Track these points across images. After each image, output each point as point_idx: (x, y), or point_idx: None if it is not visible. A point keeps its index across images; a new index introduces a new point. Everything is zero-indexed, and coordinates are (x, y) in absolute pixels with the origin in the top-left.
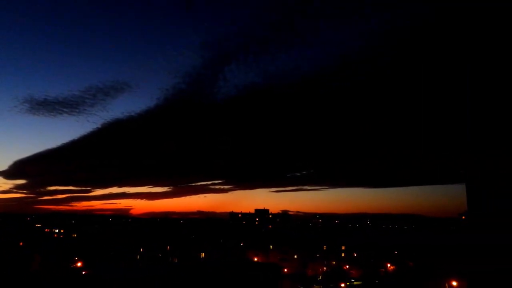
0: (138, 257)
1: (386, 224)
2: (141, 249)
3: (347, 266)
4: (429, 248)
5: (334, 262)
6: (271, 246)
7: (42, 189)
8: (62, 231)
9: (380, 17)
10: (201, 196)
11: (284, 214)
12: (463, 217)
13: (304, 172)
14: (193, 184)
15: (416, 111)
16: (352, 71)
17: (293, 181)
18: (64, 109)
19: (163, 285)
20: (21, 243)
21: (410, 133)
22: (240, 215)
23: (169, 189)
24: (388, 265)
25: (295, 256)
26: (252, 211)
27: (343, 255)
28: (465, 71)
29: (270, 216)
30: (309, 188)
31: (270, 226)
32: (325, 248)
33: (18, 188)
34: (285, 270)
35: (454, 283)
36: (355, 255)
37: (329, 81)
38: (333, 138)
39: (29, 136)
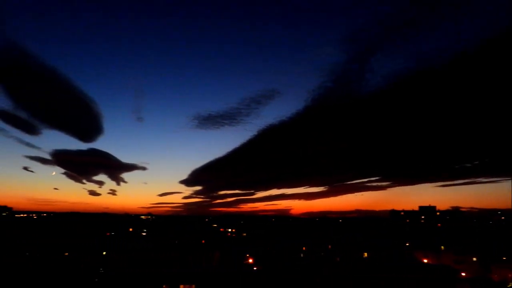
0: (302, 255)
1: None
2: (303, 248)
3: None
4: None
5: None
6: (442, 247)
7: (214, 194)
8: (233, 230)
9: None
10: (358, 194)
11: (455, 211)
12: None
13: (477, 162)
14: (349, 182)
15: None
16: None
17: (464, 173)
18: (225, 121)
19: (327, 282)
20: (203, 241)
21: None
22: (402, 213)
23: (325, 189)
24: None
25: (474, 259)
26: (416, 208)
27: None
28: None
29: (437, 213)
30: (484, 180)
31: (438, 224)
32: None
33: (196, 193)
34: (462, 273)
35: None
36: None
37: (492, 54)
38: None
39: (200, 148)
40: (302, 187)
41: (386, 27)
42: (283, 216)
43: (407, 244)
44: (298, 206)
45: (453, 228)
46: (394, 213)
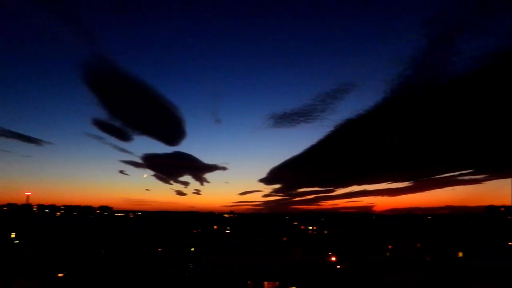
0: (388, 254)
1: None
2: (389, 246)
3: None
4: None
5: None
6: None
7: (294, 191)
8: (314, 228)
9: None
10: (448, 189)
11: None
12: None
13: None
14: (437, 176)
15: None
16: None
17: None
18: (300, 119)
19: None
20: (284, 238)
21: None
22: (502, 209)
23: (410, 184)
24: None
25: None
26: None
27: None
28: None
29: None
30: None
31: None
32: None
33: (276, 191)
34: None
35: None
36: None
37: None
38: None
39: (277, 147)
40: (385, 183)
41: (473, 2)
42: (366, 213)
43: (510, 244)
44: (381, 203)
45: None
46: (492, 209)
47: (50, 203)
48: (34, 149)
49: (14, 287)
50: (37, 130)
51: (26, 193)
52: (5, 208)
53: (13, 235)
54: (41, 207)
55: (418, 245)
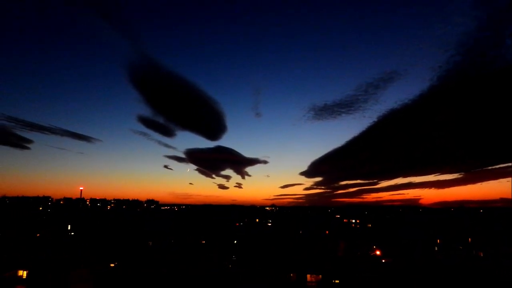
0: (436, 248)
1: None
2: (438, 240)
3: None
4: None
5: None
6: None
7: (335, 184)
8: (357, 221)
9: None
10: (503, 180)
11: None
12: None
13: None
14: (490, 167)
15: None
16: None
17: None
18: (342, 110)
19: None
20: (327, 231)
21: None
22: None
23: (460, 176)
24: None
25: None
26: None
27: None
28: None
29: None
30: None
31: None
32: None
33: (317, 184)
34: None
35: None
36: None
37: None
38: None
39: (318, 139)
40: (432, 175)
41: None
42: (412, 206)
43: None
44: (428, 196)
45: None
46: None
47: (101, 197)
48: (86, 146)
49: (72, 276)
50: (88, 128)
51: (80, 188)
52: (61, 202)
53: (69, 227)
54: (93, 200)
55: (470, 240)
